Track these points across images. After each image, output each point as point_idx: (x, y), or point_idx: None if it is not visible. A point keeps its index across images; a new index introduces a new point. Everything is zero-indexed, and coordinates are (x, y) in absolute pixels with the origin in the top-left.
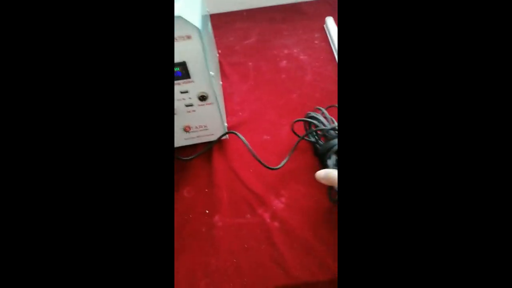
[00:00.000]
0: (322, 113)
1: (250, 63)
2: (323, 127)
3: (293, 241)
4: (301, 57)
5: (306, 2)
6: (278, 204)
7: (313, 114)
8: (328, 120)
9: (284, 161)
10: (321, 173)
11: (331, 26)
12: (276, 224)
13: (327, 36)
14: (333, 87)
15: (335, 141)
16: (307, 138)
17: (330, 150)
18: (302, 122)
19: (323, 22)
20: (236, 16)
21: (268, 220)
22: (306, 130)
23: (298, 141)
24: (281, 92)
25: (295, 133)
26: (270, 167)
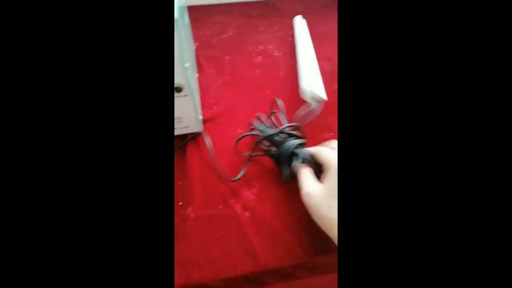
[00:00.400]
0: (261, 120)
1: (226, 57)
2: (265, 136)
3: (263, 230)
4: (276, 53)
5: None
6: (249, 195)
7: (255, 124)
8: (270, 126)
9: (240, 174)
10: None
11: (298, 24)
12: (247, 214)
13: None
14: None
15: (286, 144)
16: (256, 154)
17: (281, 157)
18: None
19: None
20: (213, 9)
21: (239, 211)
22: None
23: (248, 160)
24: (256, 87)
25: (238, 152)
26: (229, 178)
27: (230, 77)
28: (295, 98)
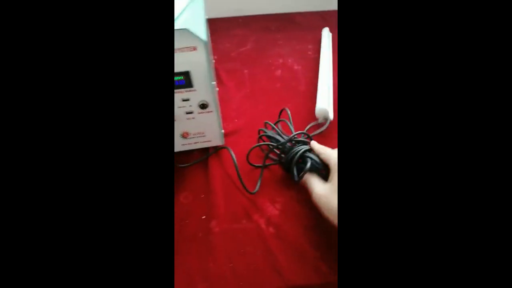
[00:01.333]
0: (273, 129)
1: (246, 71)
2: (276, 144)
3: (287, 247)
4: (295, 67)
5: (299, 13)
6: (273, 210)
7: (267, 132)
8: (281, 134)
9: (257, 186)
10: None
11: (325, 37)
12: (271, 229)
13: (319, 48)
14: None
15: (294, 150)
16: (268, 163)
17: (291, 162)
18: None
19: (316, 33)
20: (232, 22)
21: (263, 226)
22: (264, 151)
23: (262, 170)
24: (276, 101)
25: (251, 164)
26: (249, 191)
27: (250, 91)
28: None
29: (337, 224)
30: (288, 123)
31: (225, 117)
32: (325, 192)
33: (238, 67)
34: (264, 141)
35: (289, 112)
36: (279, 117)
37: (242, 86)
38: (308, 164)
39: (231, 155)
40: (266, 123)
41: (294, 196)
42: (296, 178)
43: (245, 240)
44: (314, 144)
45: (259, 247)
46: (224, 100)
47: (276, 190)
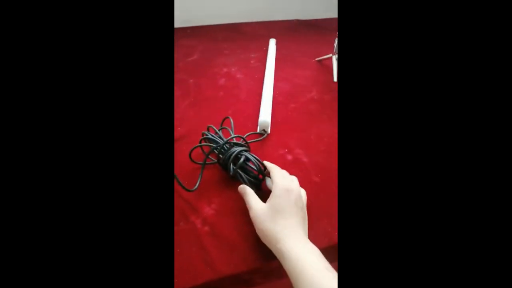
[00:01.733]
0: (215, 132)
1: (191, 80)
2: (215, 146)
3: (221, 242)
4: (238, 75)
5: (246, 23)
6: (209, 211)
7: (207, 134)
8: (221, 137)
9: (197, 184)
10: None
11: (271, 46)
12: (206, 228)
13: (262, 57)
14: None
15: (229, 152)
16: (208, 161)
17: (229, 160)
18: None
19: (260, 42)
20: (180, 33)
21: (199, 226)
22: (204, 152)
23: (202, 168)
24: (218, 108)
25: (193, 161)
26: (187, 188)
27: (194, 100)
28: (254, 117)
29: (266, 241)
30: (230, 130)
31: None
32: (264, 211)
33: (185, 77)
34: (206, 143)
35: (231, 121)
36: (221, 124)
37: (187, 95)
38: (242, 159)
39: None
40: (209, 126)
41: (230, 196)
42: (231, 172)
43: (182, 241)
44: (267, 163)
45: (194, 245)
46: None
47: (214, 191)
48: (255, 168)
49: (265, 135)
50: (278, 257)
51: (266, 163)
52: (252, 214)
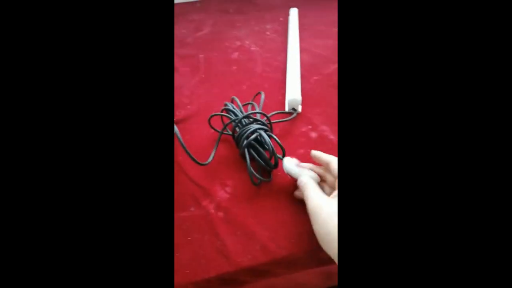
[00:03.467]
0: (236, 104)
1: (201, 55)
2: (234, 118)
3: (237, 229)
4: (252, 48)
5: None
6: (223, 194)
7: (228, 105)
8: (241, 109)
9: (211, 156)
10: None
11: (293, 17)
12: (220, 214)
13: (278, 27)
14: (281, 76)
15: (246, 128)
16: (226, 132)
17: (242, 136)
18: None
19: (275, 12)
20: (189, 7)
21: (212, 211)
22: (223, 123)
23: (219, 137)
24: (231, 83)
25: (212, 127)
26: (199, 162)
27: (205, 76)
28: (271, 92)
29: (325, 246)
30: (256, 107)
31: (178, 104)
32: (327, 209)
33: (194, 52)
34: (225, 114)
35: (262, 96)
36: (253, 99)
37: (197, 71)
38: (253, 135)
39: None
40: (233, 98)
41: (246, 179)
42: (240, 150)
43: (192, 228)
44: (322, 154)
45: (206, 233)
46: (177, 87)
47: (228, 172)
48: (268, 149)
49: (295, 114)
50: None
51: (320, 154)
52: (314, 211)
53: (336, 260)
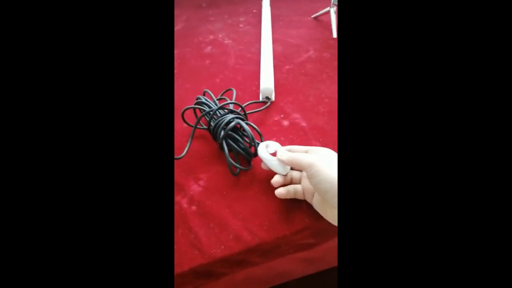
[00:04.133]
0: (209, 96)
1: (175, 51)
2: (208, 110)
3: (210, 221)
4: (226, 41)
5: None
6: (196, 188)
7: (201, 98)
8: (215, 102)
9: (185, 150)
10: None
11: (265, 8)
12: (193, 208)
13: (251, 19)
14: (255, 68)
15: (222, 118)
16: (199, 126)
17: (219, 127)
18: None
19: (248, 4)
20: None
21: (185, 206)
22: (196, 116)
23: (193, 130)
24: (204, 78)
25: (186, 122)
26: (175, 157)
27: (177, 71)
28: (245, 84)
29: (332, 192)
30: (229, 100)
31: None
32: (324, 162)
33: None
34: (198, 106)
35: (234, 92)
36: (221, 95)
37: None
38: (232, 123)
39: None
40: (205, 91)
41: (220, 170)
42: (219, 140)
43: None
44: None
45: (179, 228)
46: None
47: (202, 166)
48: (247, 138)
49: (269, 103)
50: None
51: (303, 148)
52: (317, 161)
53: (336, 208)
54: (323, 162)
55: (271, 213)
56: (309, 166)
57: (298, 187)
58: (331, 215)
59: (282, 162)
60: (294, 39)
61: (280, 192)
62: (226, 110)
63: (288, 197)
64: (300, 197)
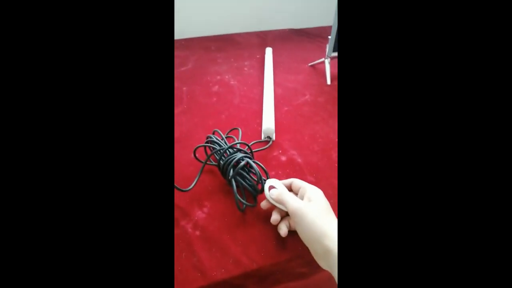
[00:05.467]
0: (219, 135)
1: (185, 88)
2: (219, 148)
3: (212, 246)
4: (232, 82)
5: (238, 33)
6: (200, 214)
7: (212, 137)
8: (224, 141)
9: (193, 183)
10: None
11: (268, 55)
12: (197, 233)
13: (255, 64)
14: (257, 107)
15: (231, 156)
16: (209, 162)
17: (229, 165)
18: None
19: (252, 50)
20: (174, 44)
21: (190, 230)
22: (206, 154)
23: (203, 166)
24: (211, 113)
25: (197, 158)
26: (181, 189)
27: (187, 106)
28: (248, 121)
29: (315, 239)
30: (236, 139)
31: None
32: (311, 209)
33: (178, 85)
34: (209, 144)
35: (240, 131)
36: (227, 133)
37: (180, 102)
38: (242, 163)
39: None
40: (214, 131)
41: (223, 198)
42: (229, 176)
43: None
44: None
45: (184, 251)
46: None
47: (207, 195)
48: (255, 176)
49: (270, 142)
50: (324, 258)
51: (294, 180)
52: (301, 210)
53: (315, 256)
54: (306, 211)
55: (268, 240)
56: (292, 214)
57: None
58: (315, 256)
59: (271, 201)
60: (293, 84)
61: (284, 231)
62: (235, 149)
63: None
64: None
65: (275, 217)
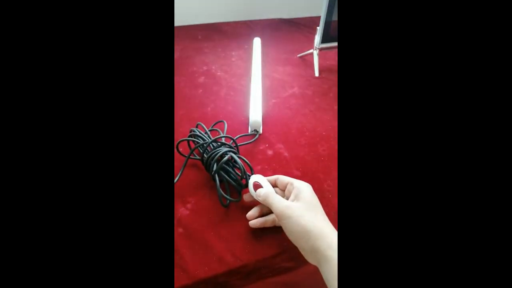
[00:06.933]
0: (202, 128)
1: None
2: (202, 142)
3: (195, 243)
4: (218, 73)
5: (226, 22)
6: (184, 211)
7: (195, 131)
8: (208, 134)
9: (176, 178)
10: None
11: (257, 46)
12: (180, 230)
13: (243, 54)
14: (244, 99)
15: (215, 151)
16: (193, 156)
17: (213, 159)
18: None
19: (241, 40)
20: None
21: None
22: (190, 148)
23: (185, 161)
24: (196, 106)
25: (180, 153)
26: None
27: None
28: (234, 114)
29: (301, 237)
30: (221, 132)
31: None
32: (297, 207)
33: None
34: (192, 139)
35: (225, 124)
36: (212, 126)
37: None
38: (226, 157)
39: None
40: (198, 124)
41: (206, 194)
42: (212, 172)
43: None
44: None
45: None
46: None
47: (190, 191)
48: (239, 171)
49: (257, 136)
50: (311, 255)
51: (280, 177)
52: (285, 212)
53: (302, 252)
54: (291, 211)
55: (252, 236)
56: (279, 216)
57: (271, 217)
58: (303, 253)
59: (258, 200)
60: (281, 75)
61: (254, 223)
62: (219, 143)
63: (262, 226)
64: (276, 224)
65: (252, 213)
